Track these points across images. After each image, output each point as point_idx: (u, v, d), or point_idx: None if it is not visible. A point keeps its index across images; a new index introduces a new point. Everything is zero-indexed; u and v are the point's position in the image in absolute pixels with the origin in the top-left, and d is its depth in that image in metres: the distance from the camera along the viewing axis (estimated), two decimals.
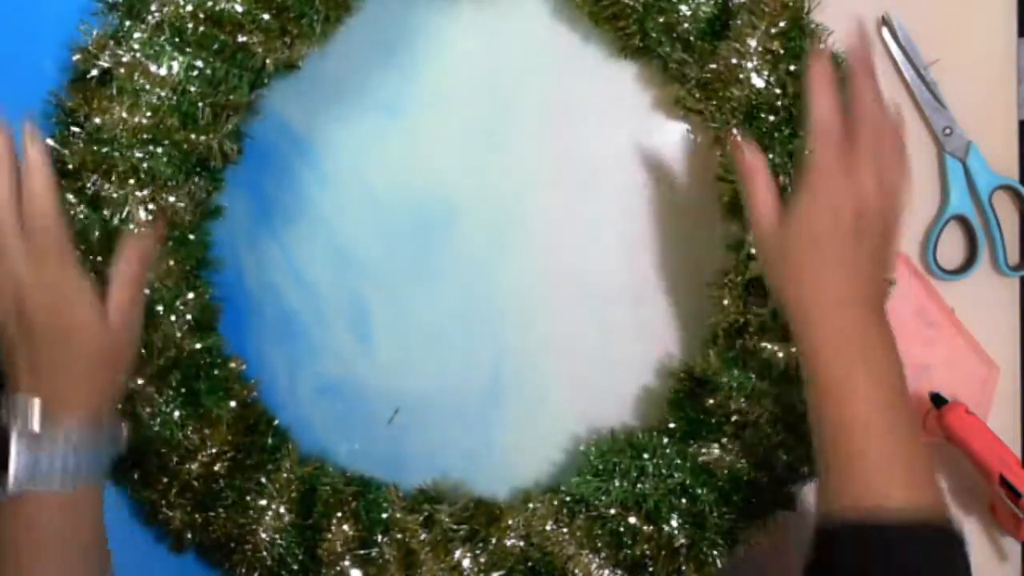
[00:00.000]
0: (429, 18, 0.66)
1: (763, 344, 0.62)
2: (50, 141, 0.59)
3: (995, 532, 0.70)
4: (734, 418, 0.62)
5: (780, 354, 0.62)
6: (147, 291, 0.59)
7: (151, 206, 0.58)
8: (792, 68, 0.60)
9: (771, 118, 0.60)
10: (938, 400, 0.66)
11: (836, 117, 0.54)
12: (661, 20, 0.60)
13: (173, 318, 0.60)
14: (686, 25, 0.60)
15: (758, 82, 0.60)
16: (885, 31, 0.66)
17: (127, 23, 0.58)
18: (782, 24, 0.59)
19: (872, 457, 0.50)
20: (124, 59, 0.57)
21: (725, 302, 0.63)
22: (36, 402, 0.50)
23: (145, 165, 0.58)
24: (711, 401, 0.63)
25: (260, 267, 0.68)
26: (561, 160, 0.68)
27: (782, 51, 0.59)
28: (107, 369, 0.53)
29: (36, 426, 0.50)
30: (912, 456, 0.51)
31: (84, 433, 0.51)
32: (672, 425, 0.64)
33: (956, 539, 0.50)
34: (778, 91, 0.60)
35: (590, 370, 0.69)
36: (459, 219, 0.68)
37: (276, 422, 0.65)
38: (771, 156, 0.60)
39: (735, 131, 0.60)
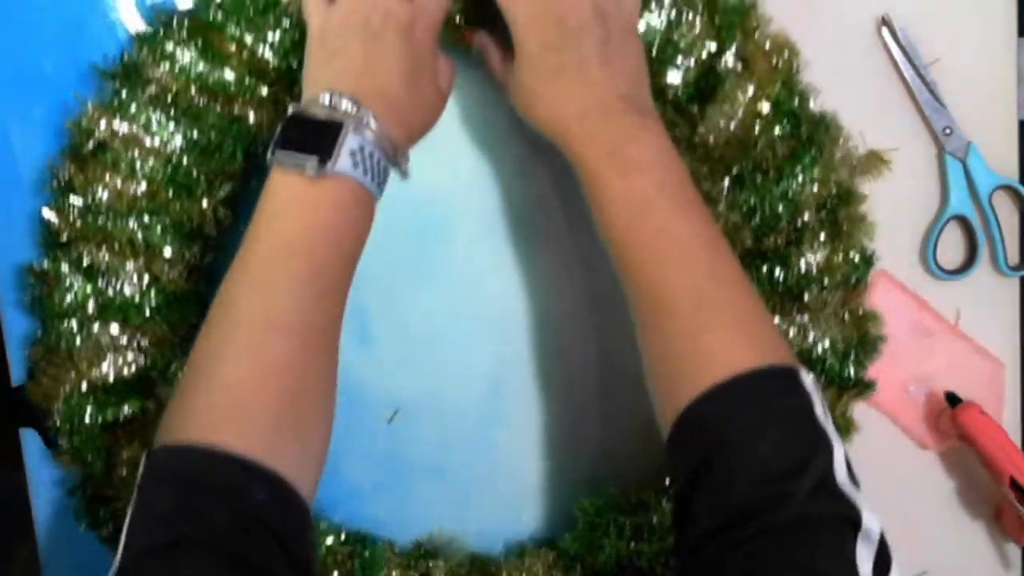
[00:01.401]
0: None
1: None
2: (46, 211, 0.59)
3: (999, 538, 0.70)
4: None
5: None
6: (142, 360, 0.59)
7: (145, 276, 0.59)
8: (783, 130, 0.60)
9: (760, 179, 0.60)
10: (953, 399, 0.67)
11: None
12: (652, 83, 0.60)
13: (168, 383, 0.60)
14: (675, 87, 0.60)
15: (748, 143, 0.60)
16: (885, 31, 0.66)
17: (123, 93, 0.58)
18: (771, 87, 0.60)
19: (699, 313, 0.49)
20: (119, 131, 0.58)
21: None
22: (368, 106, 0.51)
23: (140, 235, 0.58)
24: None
25: None
26: (552, 190, 0.68)
27: (772, 112, 0.60)
28: (423, 95, 0.55)
29: (362, 115, 0.50)
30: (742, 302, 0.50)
31: (396, 141, 0.52)
32: (668, 482, 0.64)
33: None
34: (768, 153, 0.60)
35: (590, 370, 0.69)
36: (459, 219, 0.67)
37: None
38: (760, 216, 0.60)
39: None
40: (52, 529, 0.67)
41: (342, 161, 0.49)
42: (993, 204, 0.68)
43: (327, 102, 0.50)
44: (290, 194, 0.50)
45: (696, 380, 0.47)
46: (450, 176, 0.67)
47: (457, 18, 0.59)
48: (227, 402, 0.46)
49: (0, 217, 0.64)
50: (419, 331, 0.68)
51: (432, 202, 0.67)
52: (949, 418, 0.66)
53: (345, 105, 0.50)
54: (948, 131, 0.67)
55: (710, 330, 0.49)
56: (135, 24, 0.62)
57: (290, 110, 0.52)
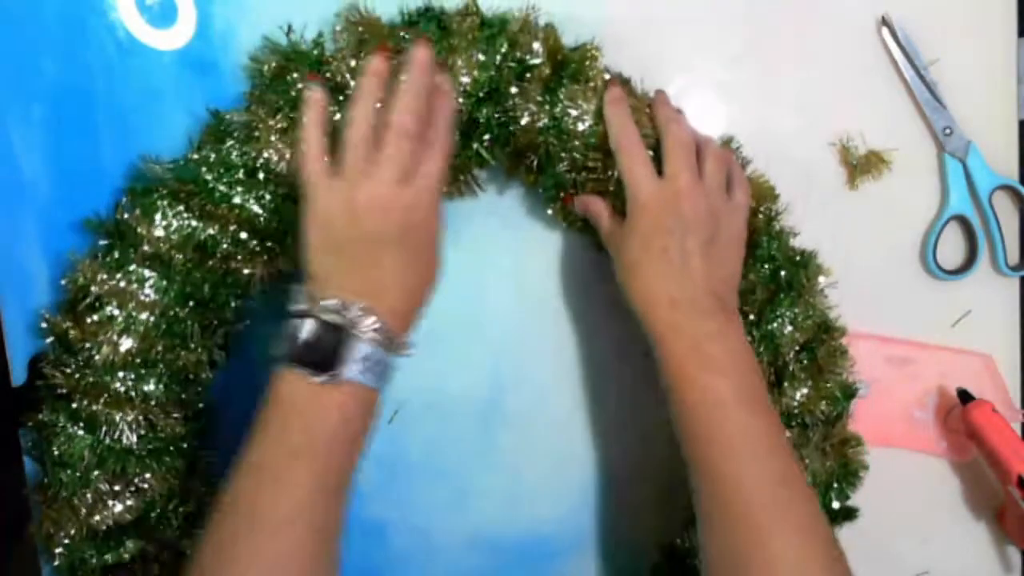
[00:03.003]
0: None
1: None
2: (47, 370, 0.60)
3: (1000, 542, 0.70)
4: None
5: None
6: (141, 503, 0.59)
7: (142, 424, 0.59)
8: (763, 274, 0.62)
9: (742, 321, 0.61)
10: (965, 396, 0.67)
11: (635, 133, 0.57)
12: None
13: (167, 523, 0.61)
14: None
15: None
16: (885, 31, 0.66)
17: (116, 251, 0.59)
18: (752, 231, 0.61)
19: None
20: (113, 287, 0.58)
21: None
22: (366, 305, 0.52)
23: (136, 388, 0.59)
24: None
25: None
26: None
27: (751, 255, 0.61)
28: (424, 278, 0.55)
29: (370, 323, 0.51)
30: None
31: (399, 338, 0.53)
32: None
33: None
34: (748, 295, 0.61)
35: (590, 370, 0.69)
36: (460, 220, 0.67)
37: None
38: None
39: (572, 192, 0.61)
40: None
41: (350, 370, 0.51)
42: (993, 204, 0.67)
43: (336, 308, 0.51)
44: (297, 403, 0.51)
45: None
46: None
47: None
48: None
49: (0, 217, 0.64)
50: (419, 331, 0.68)
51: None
52: (959, 416, 0.66)
53: (354, 313, 0.51)
54: (948, 131, 0.67)
55: (778, 535, 0.50)
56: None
57: (297, 307, 0.52)
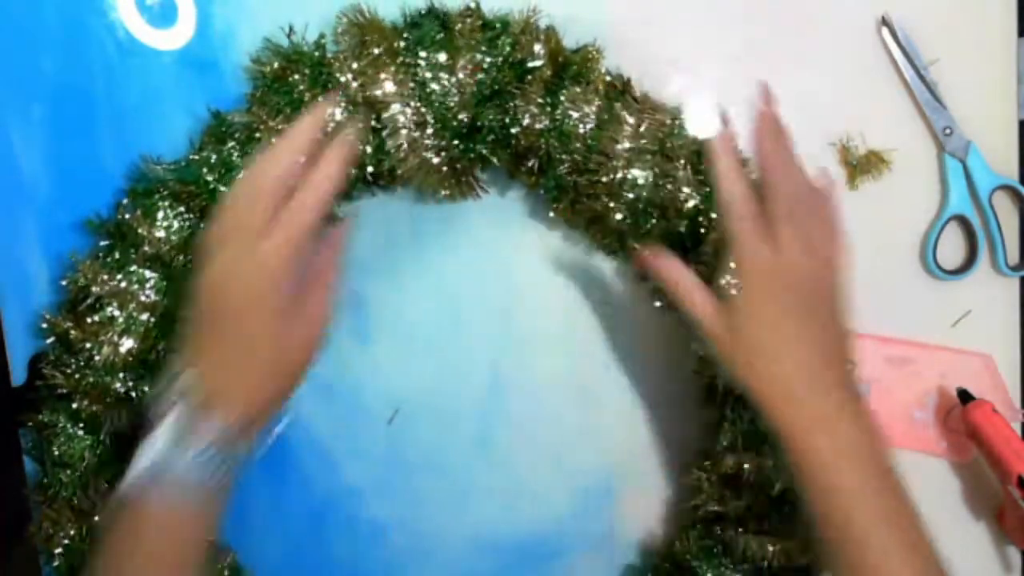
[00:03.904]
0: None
1: (739, 535, 0.63)
2: (47, 371, 0.59)
3: (1000, 542, 0.70)
4: None
5: (754, 545, 0.62)
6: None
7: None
8: None
9: None
10: (965, 396, 0.67)
11: (746, 192, 0.52)
12: (635, 229, 0.61)
13: None
14: (659, 236, 0.60)
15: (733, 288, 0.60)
16: (885, 31, 0.66)
17: (117, 252, 0.59)
18: None
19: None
20: (114, 287, 0.58)
21: (703, 489, 0.64)
22: (197, 387, 0.48)
23: (136, 389, 0.59)
24: None
25: None
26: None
27: None
28: (280, 376, 0.51)
29: (191, 417, 0.47)
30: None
31: (233, 438, 0.48)
32: None
33: None
34: None
35: (591, 369, 0.69)
36: (460, 219, 0.67)
37: None
38: None
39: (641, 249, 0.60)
40: None
41: (183, 474, 0.47)
42: (993, 204, 0.67)
43: (174, 400, 0.48)
44: (130, 525, 0.49)
45: None
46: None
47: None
48: None
49: (0, 217, 0.64)
50: (419, 331, 0.68)
51: (433, 202, 0.67)
52: (959, 416, 0.67)
53: (185, 414, 0.48)
54: (948, 131, 0.67)
55: None
56: (136, 31, 0.62)
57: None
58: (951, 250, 0.69)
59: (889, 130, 0.67)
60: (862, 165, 0.67)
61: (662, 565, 0.67)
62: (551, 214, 0.63)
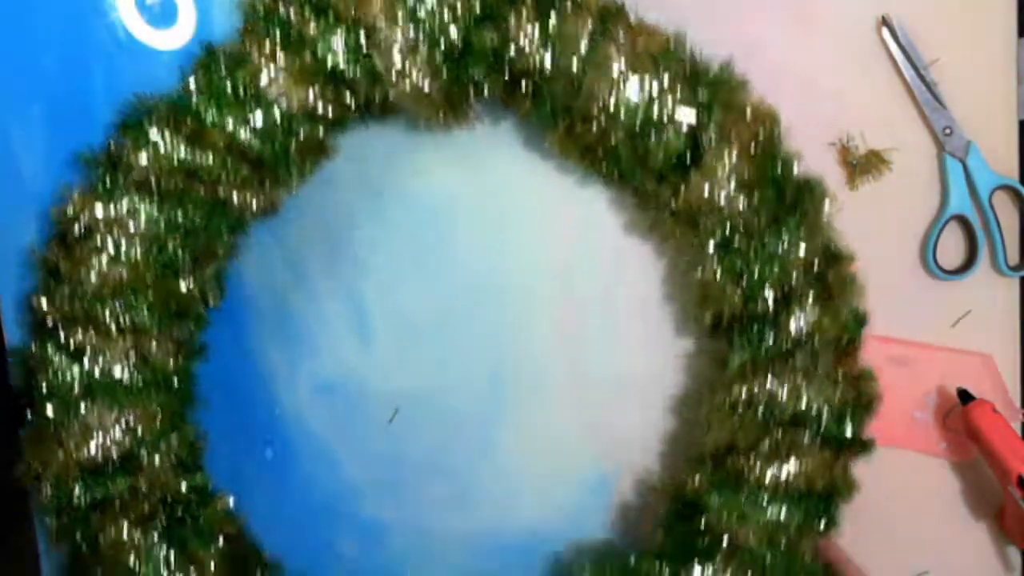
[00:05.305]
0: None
1: (752, 464, 0.62)
2: (35, 299, 0.59)
3: (1000, 543, 0.70)
4: (725, 540, 0.62)
5: (769, 474, 0.61)
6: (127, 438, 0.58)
7: (133, 356, 0.59)
8: (767, 196, 0.60)
9: (746, 243, 0.60)
10: (965, 396, 0.67)
11: None
12: (632, 153, 0.60)
13: (158, 461, 0.61)
14: (657, 158, 0.60)
15: (732, 210, 0.60)
16: (885, 31, 0.66)
17: (107, 180, 0.58)
18: (753, 154, 0.60)
19: None
20: (104, 216, 0.58)
21: (712, 422, 0.63)
22: None
23: (126, 317, 0.59)
24: (702, 523, 0.62)
25: (260, 267, 0.68)
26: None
27: (755, 179, 0.60)
28: None
29: None
30: None
31: None
32: (664, 548, 0.63)
33: None
34: (753, 218, 0.60)
35: (591, 368, 0.69)
36: (460, 217, 0.68)
37: (266, 557, 0.65)
38: (747, 279, 0.60)
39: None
40: None
41: None
42: (993, 204, 0.67)
43: None
44: None
45: None
46: (451, 174, 0.67)
47: None
48: None
49: (0, 216, 0.64)
50: (419, 330, 0.68)
51: (433, 200, 0.67)
52: (959, 416, 0.66)
53: None
54: (948, 131, 0.67)
55: None
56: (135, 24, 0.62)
57: None
58: (951, 250, 0.69)
59: (889, 130, 0.67)
60: (862, 165, 0.67)
61: (673, 506, 0.65)
62: (547, 143, 0.62)
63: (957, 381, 0.68)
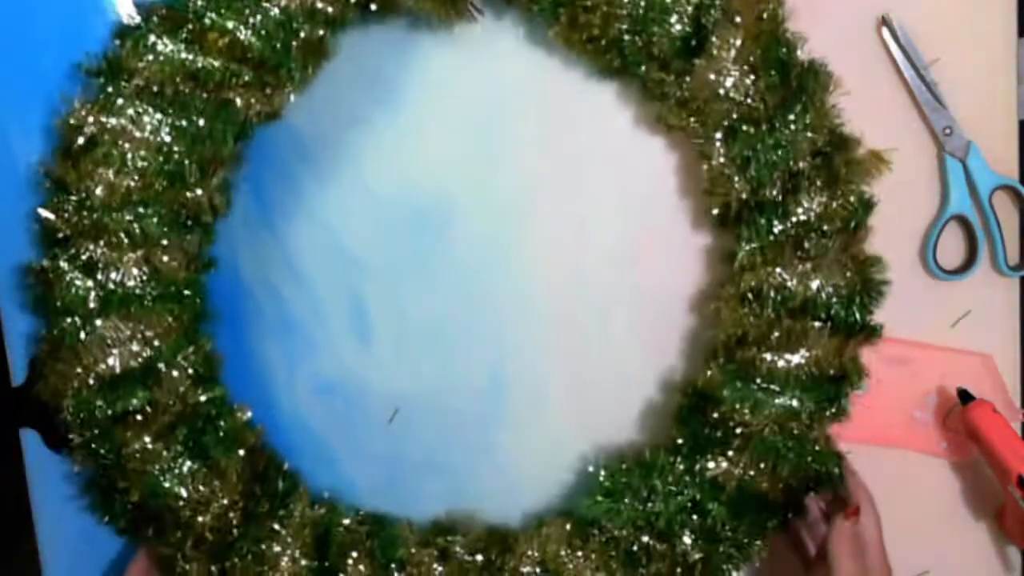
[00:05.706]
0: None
1: (762, 354, 0.62)
2: (42, 211, 0.59)
3: (1000, 543, 0.70)
4: (739, 430, 0.62)
5: (780, 363, 0.62)
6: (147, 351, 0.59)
7: (144, 267, 0.59)
8: (772, 80, 0.60)
9: (752, 130, 0.60)
10: (965, 396, 0.67)
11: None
12: (636, 42, 0.60)
13: (175, 373, 0.61)
14: (662, 45, 0.60)
15: (737, 96, 0.60)
16: (885, 31, 0.66)
17: (109, 88, 0.58)
18: (758, 37, 0.59)
19: None
20: (108, 125, 0.58)
21: (722, 315, 0.63)
22: None
23: (136, 227, 0.58)
24: (715, 415, 0.63)
25: (259, 266, 0.68)
26: (551, 171, 0.68)
27: (760, 63, 0.60)
28: None
29: None
30: None
31: None
32: (679, 441, 0.64)
33: None
34: (758, 104, 0.60)
35: (590, 369, 0.69)
36: (458, 218, 0.67)
37: (285, 466, 0.65)
38: (754, 166, 0.60)
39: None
40: (52, 527, 0.67)
41: None
42: (993, 204, 0.67)
43: None
44: None
45: None
46: (450, 174, 0.67)
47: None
48: None
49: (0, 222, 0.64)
50: (419, 330, 0.68)
51: (433, 200, 0.67)
52: (958, 416, 0.66)
53: None
54: (948, 131, 0.67)
55: None
56: (125, 15, 0.62)
57: None
58: (951, 250, 0.69)
59: (889, 130, 0.67)
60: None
61: (686, 400, 0.65)
62: (549, 34, 0.62)
63: (957, 381, 0.68)
